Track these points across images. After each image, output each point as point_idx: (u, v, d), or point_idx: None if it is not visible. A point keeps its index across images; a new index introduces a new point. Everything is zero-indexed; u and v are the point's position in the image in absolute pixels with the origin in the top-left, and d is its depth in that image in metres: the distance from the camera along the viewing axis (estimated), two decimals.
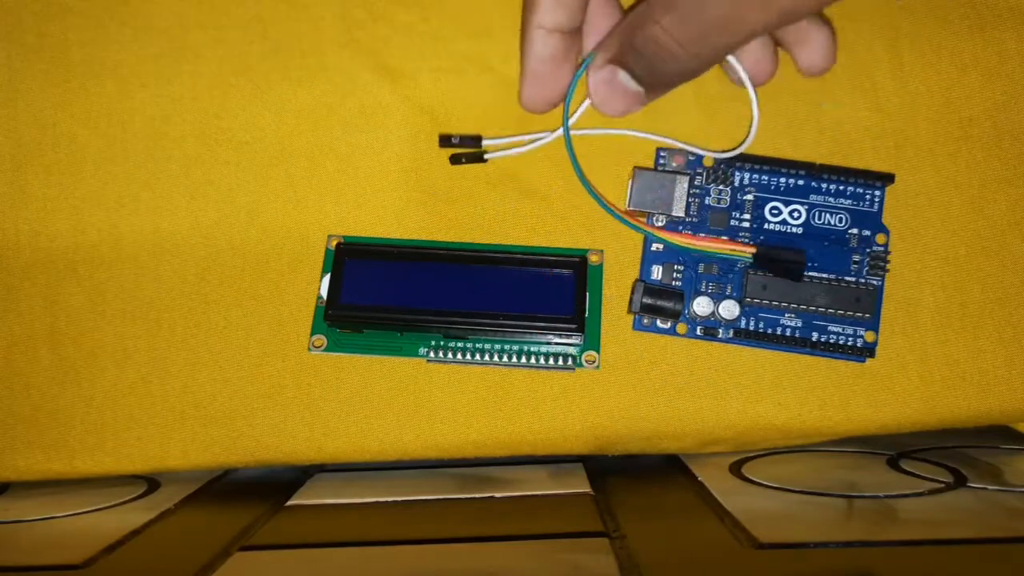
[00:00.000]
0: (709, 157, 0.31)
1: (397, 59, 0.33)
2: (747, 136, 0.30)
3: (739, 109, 0.31)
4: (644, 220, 0.31)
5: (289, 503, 0.32)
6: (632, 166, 0.32)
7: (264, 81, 0.33)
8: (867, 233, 0.31)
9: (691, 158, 0.31)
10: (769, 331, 0.30)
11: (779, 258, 0.30)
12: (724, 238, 0.31)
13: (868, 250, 0.31)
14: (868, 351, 0.30)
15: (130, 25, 0.33)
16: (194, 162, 0.33)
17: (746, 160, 0.31)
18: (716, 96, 0.32)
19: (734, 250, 0.30)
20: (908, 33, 0.32)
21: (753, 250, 0.30)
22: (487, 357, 0.31)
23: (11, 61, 0.33)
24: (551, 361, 0.31)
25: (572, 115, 0.31)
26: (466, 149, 0.32)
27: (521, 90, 0.30)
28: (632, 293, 0.30)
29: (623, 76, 0.28)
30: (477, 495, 0.32)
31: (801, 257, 0.30)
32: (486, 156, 0.32)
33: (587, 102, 0.30)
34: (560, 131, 0.30)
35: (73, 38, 0.33)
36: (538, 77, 0.29)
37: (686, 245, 0.30)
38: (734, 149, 0.31)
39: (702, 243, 0.30)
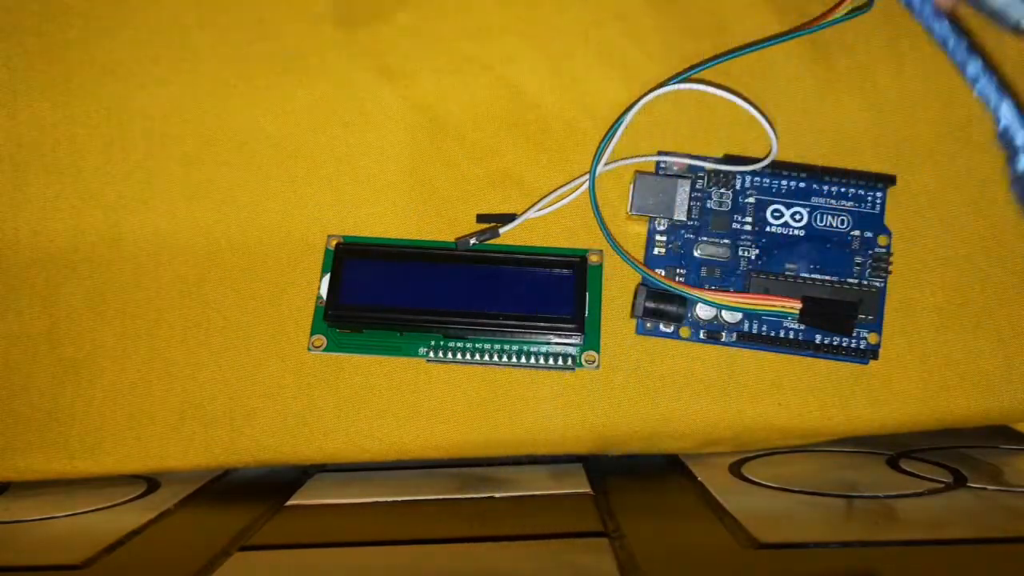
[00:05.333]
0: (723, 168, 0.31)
1: (397, 59, 0.33)
2: (770, 152, 0.30)
3: (737, 111, 0.31)
4: (679, 279, 0.31)
5: (289, 503, 0.32)
6: (634, 170, 0.32)
7: (264, 81, 0.33)
8: (869, 235, 0.31)
9: (694, 163, 0.31)
10: (772, 334, 0.30)
11: (827, 310, 0.29)
12: (767, 294, 0.30)
13: (870, 252, 0.31)
14: (871, 353, 0.30)
15: (130, 25, 0.33)
16: (194, 162, 0.33)
17: (748, 163, 0.31)
18: (715, 99, 0.32)
19: (781, 306, 0.29)
20: (908, 33, 0.32)
21: (799, 304, 0.29)
22: (487, 357, 0.31)
23: (11, 61, 0.33)
24: (551, 361, 0.31)
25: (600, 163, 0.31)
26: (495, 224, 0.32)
27: None
28: (635, 297, 0.30)
29: None
30: (477, 495, 0.32)
31: (852, 311, 0.29)
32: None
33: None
34: (584, 185, 0.31)
35: (73, 38, 0.33)
36: None
37: (730, 304, 0.29)
38: (758, 161, 0.31)
39: (747, 301, 0.29)
